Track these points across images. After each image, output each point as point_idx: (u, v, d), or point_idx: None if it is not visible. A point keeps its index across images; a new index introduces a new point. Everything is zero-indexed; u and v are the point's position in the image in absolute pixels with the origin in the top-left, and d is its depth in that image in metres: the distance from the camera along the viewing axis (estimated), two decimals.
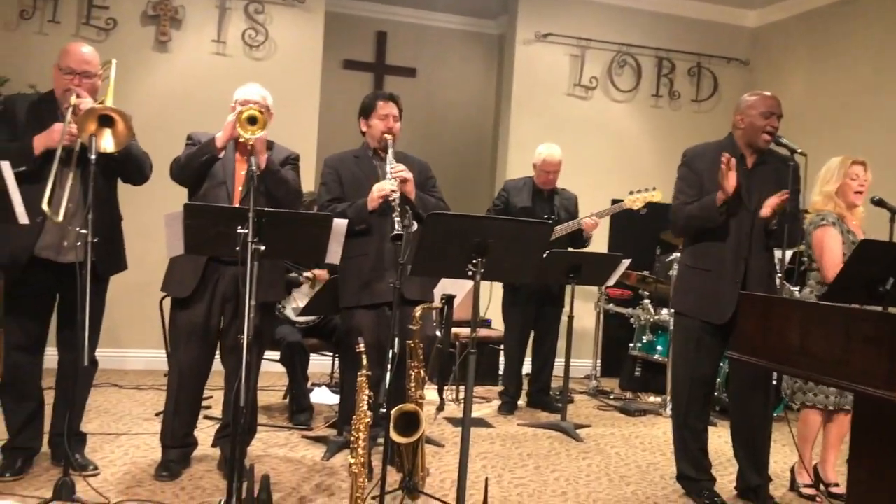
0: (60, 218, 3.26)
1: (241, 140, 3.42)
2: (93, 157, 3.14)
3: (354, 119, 4.22)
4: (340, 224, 3.28)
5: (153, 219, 3.86)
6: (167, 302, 3.88)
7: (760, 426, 3.63)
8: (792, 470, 4.17)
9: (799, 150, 3.58)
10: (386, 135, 3.99)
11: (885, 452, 2.69)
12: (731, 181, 3.64)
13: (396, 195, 3.76)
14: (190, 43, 6.28)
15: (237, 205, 3.55)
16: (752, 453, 3.77)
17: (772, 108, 3.73)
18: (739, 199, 3.72)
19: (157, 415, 4.69)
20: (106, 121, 3.22)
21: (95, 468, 3.67)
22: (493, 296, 5.88)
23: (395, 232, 3.59)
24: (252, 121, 3.32)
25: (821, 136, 6.39)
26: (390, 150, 3.93)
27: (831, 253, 3.85)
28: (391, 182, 3.83)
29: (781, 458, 4.60)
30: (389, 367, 3.45)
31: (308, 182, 6.11)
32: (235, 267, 3.02)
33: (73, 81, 3.41)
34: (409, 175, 3.88)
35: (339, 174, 4.10)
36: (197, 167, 3.59)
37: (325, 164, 4.19)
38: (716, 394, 5.63)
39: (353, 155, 4.19)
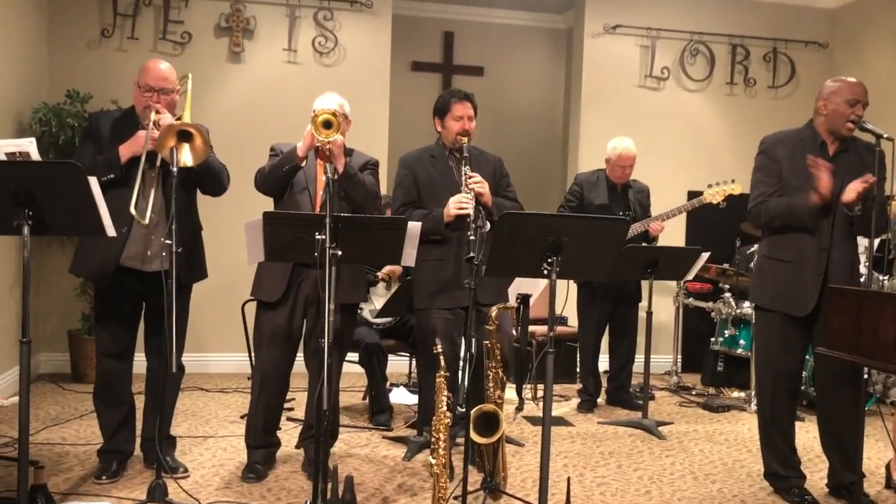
0: (147, 221, 3.38)
1: (318, 144, 3.47)
2: (174, 169, 3.24)
3: (424, 121, 4.24)
4: (415, 227, 3.31)
5: (233, 227, 3.97)
6: (249, 306, 3.97)
7: (849, 422, 3.51)
8: (887, 467, 4.02)
9: (885, 136, 3.45)
10: (461, 137, 3.99)
11: None
12: (824, 183, 3.51)
13: (472, 213, 3.73)
14: (262, 52, 6.41)
15: (318, 209, 3.62)
16: (842, 450, 3.65)
17: (858, 95, 3.60)
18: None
19: (241, 417, 4.81)
20: (184, 136, 3.33)
21: (186, 470, 3.78)
22: (569, 293, 5.83)
23: (469, 255, 3.56)
24: (327, 125, 3.37)
25: None
26: (465, 156, 3.93)
27: None
28: (466, 195, 3.81)
29: (875, 454, 4.44)
30: (466, 367, 3.46)
31: (381, 186, 6.18)
32: (317, 270, 3.07)
33: (152, 98, 3.52)
34: (484, 189, 3.87)
35: (416, 175, 4.11)
36: (280, 177, 3.67)
37: (400, 165, 4.20)
38: (802, 388, 5.47)
39: (429, 154, 4.19)
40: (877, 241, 4.11)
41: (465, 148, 3.95)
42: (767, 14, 7.25)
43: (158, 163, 3.43)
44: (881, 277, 4.81)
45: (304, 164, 3.64)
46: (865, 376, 3.45)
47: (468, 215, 3.75)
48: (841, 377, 3.57)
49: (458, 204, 3.84)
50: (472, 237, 3.63)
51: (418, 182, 4.10)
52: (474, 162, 3.98)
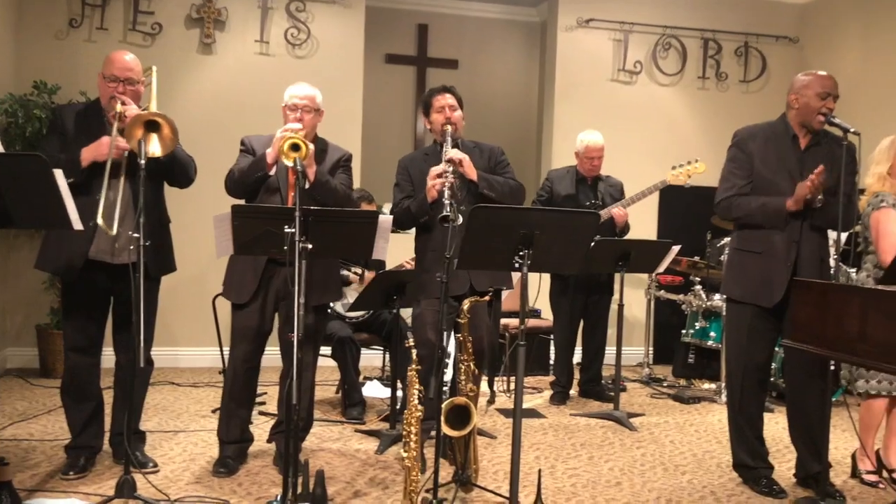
0: (114, 231, 3.35)
1: (286, 164, 3.42)
2: (142, 161, 3.20)
3: (398, 113, 4.25)
4: (386, 220, 3.30)
5: (202, 220, 3.93)
6: (220, 300, 3.95)
7: (818, 413, 3.56)
8: (853, 456, 4.08)
9: (852, 130, 3.48)
10: (445, 126, 4.01)
11: None
12: (809, 194, 3.55)
13: (449, 179, 3.74)
14: (234, 44, 6.35)
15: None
16: (810, 440, 3.69)
17: (828, 88, 3.63)
18: (791, 180, 3.63)
19: (213, 411, 4.78)
20: (152, 126, 3.29)
21: (155, 465, 3.75)
22: (542, 286, 5.85)
23: (442, 214, 3.56)
24: (295, 148, 3.33)
25: (875, 115, 6.20)
26: (447, 139, 3.95)
27: (888, 235, 3.75)
28: (443, 165, 3.82)
29: (841, 444, 4.51)
30: (439, 360, 3.46)
31: (354, 179, 6.16)
32: (289, 267, 3.05)
33: (118, 89, 3.49)
34: (461, 155, 3.88)
35: (410, 173, 4.18)
36: (250, 184, 3.66)
37: (398, 165, 4.28)
38: (772, 379, 5.54)
39: (423, 153, 4.30)
40: (845, 235, 4.15)
41: (449, 132, 3.97)
42: (739, 9, 7.30)
43: (125, 155, 3.38)
44: (849, 270, 4.87)
45: (273, 171, 3.63)
46: (833, 368, 3.50)
47: (444, 182, 3.73)
48: (810, 369, 3.62)
49: (433, 174, 3.84)
50: (446, 200, 3.60)
51: (413, 179, 4.15)
52: (468, 153, 4.00)
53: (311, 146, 3.46)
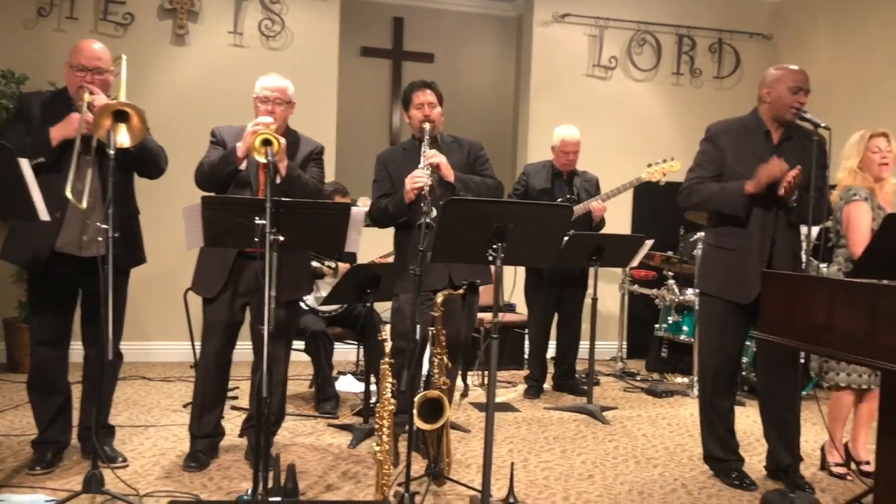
0: (84, 205, 3.28)
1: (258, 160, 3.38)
2: (111, 151, 3.15)
3: (373, 106, 4.23)
4: (358, 213, 3.27)
5: (173, 211, 3.88)
6: (191, 294, 3.90)
7: (790, 406, 3.59)
8: (822, 449, 4.12)
9: (822, 125, 3.50)
10: (424, 123, 3.98)
11: None
12: (769, 179, 3.56)
13: (427, 184, 3.72)
14: (207, 35, 6.29)
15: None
16: (782, 433, 3.72)
17: (799, 83, 3.66)
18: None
19: (184, 406, 4.74)
20: (120, 116, 3.23)
21: (124, 460, 3.71)
22: (517, 280, 5.86)
23: (421, 221, 3.54)
24: (266, 143, 3.29)
25: (847, 110, 6.27)
26: (426, 138, 3.91)
27: (859, 228, 3.79)
28: (421, 170, 3.80)
29: (811, 437, 4.55)
30: (412, 354, 3.45)
31: (328, 171, 6.11)
32: (259, 260, 3.01)
33: (86, 79, 3.43)
34: (439, 158, 3.86)
35: (388, 169, 4.14)
36: (220, 178, 3.62)
37: (376, 160, 4.24)
38: (743, 373, 5.59)
39: (402, 147, 4.26)
40: (816, 230, 4.19)
41: (427, 130, 3.94)
42: (713, 5, 7.35)
43: (94, 143, 3.33)
44: (820, 265, 4.92)
45: (243, 165, 3.59)
46: (802, 361, 3.53)
47: (422, 188, 3.72)
48: (782, 361, 3.65)
49: (413, 179, 3.82)
50: (424, 208, 3.58)
51: (391, 175, 4.12)
52: (447, 149, 3.98)
53: (283, 140, 3.42)
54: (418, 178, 3.78)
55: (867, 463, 3.95)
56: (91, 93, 3.36)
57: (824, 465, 4.06)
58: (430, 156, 3.86)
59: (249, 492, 3.09)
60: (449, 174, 3.89)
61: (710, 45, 7.34)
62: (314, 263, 5.03)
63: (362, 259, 4.79)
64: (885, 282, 3.04)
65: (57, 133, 3.35)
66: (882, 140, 3.88)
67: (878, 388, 3.83)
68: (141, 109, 3.29)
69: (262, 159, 3.26)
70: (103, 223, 3.10)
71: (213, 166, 3.62)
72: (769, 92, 3.71)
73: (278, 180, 3.39)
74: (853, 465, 4.01)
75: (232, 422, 4.27)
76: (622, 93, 7.18)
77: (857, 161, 3.91)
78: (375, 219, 4.08)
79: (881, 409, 2.82)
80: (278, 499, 3.06)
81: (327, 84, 6.51)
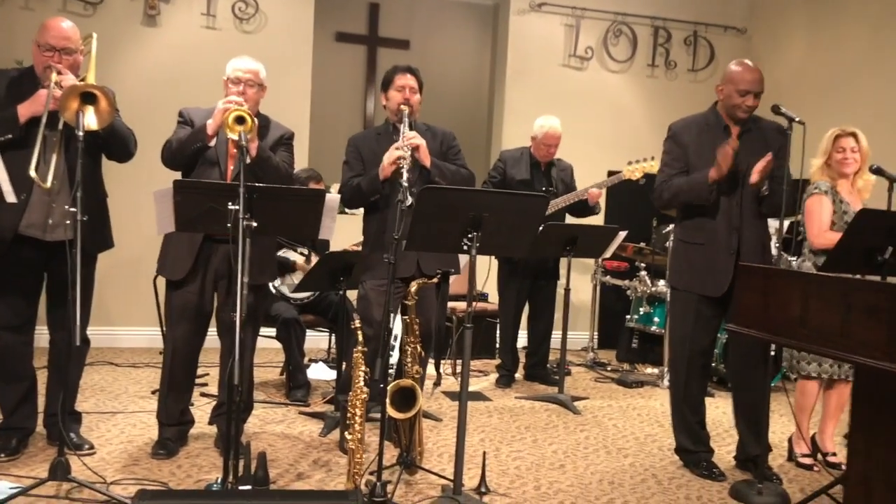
0: (48, 184, 3.20)
1: (230, 138, 3.34)
2: (80, 133, 3.08)
3: (348, 91, 4.19)
4: (333, 199, 3.23)
5: (143, 195, 3.82)
6: (161, 280, 3.84)
7: (760, 397, 3.62)
8: (790, 440, 4.17)
9: (797, 119, 3.52)
10: (403, 106, 3.95)
11: (885, 423, 2.68)
12: (728, 161, 3.60)
13: (406, 162, 3.69)
14: (179, 16, 6.19)
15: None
16: (752, 424, 3.76)
17: (748, 86, 3.67)
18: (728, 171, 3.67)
19: (153, 392, 4.67)
20: (88, 98, 3.15)
21: (91, 447, 3.66)
22: (490, 269, 5.85)
23: (399, 199, 3.50)
24: (240, 121, 3.24)
25: (820, 103, 6.33)
26: (405, 120, 3.90)
27: (815, 220, 3.90)
28: (402, 150, 3.77)
29: (780, 428, 4.60)
30: (388, 342, 3.43)
31: (302, 157, 6.06)
32: (228, 244, 2.97)
33: (53, 58, 3.34)
34: (420, 141, 3.84)
35: (360, 152, 4.10)
36: (188, 155, 3.55)
37: (348, 143, 4.19)
38: (713, 365, 5.63)
39: (375, 132, 4.22)
40: (787, 223, 4.23)
41: (406, 114, 3.92)
42: None
43: (61, 126, 3.25)
44: (790, 258, 4.97)
45: (213, 142, 3.53)
46: (773, 353, 3.57)
47: (401, 164, 3.67)
48: (753, 353, 3.68)
49: (392, 153, 3.79)
50: (404, 184, 3.54)
51: (363, 157, 4.08)
52: (422, 136, 3.92)
53: (255, 120, 3.38)
54: (398, 153, 3.76)
55: (833, 454, 4.01)
56: (59, 73, 3.28)
57: (791, 456, 4.11)
58: (411, 136, 3.83)
59: (219, 480, 3.07)
60: (426, 158, 3.86)
61: (686, 37, 7.36)
62: (288, 254, 4.99)
63: (335, 247, 4.75)
64: (858, 276, 3.08)
65: (25, 110, 3.26)
66: (850, 139, 3.97)
67: (843, 379, 3.90)
68: (110, 92, 3.21)
69: (234, 136, 3.21)
70: (71, 206, 3.02)
71: (181, 143, 3.55)
72: (722, 90, 3.76)
73: (248, 160, 3.32)
74: (820, 457, 4.06)
75: (202, 409, 4.22)
76: (597, 83, 7.18)
77: (824, 158, 4.02)
78: (346, 199, 4.04)
79: (853, 403, 2.85)
80: (248, 487, 3.03)
81: (301, 69, 6.44)
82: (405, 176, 3.56)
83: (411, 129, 3.92)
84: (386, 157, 3.84)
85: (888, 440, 2.65)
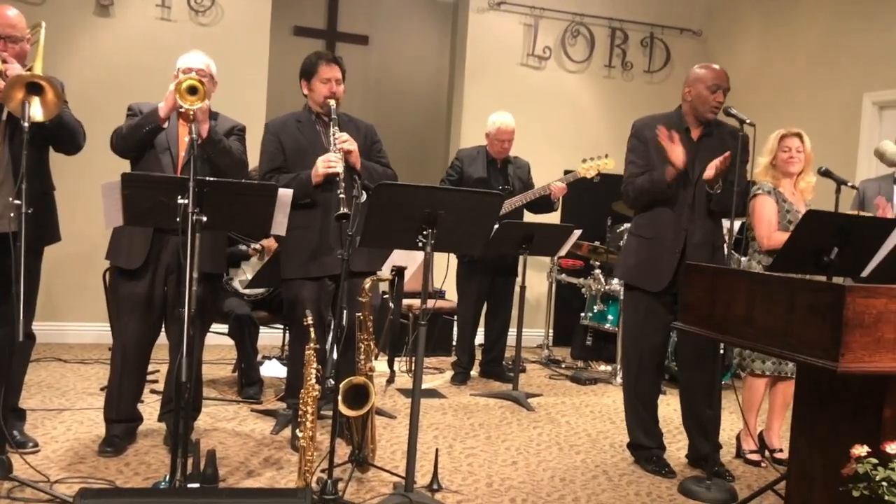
0: None
1: (183, 110, 3.30)
2: (26, 124, 3.00)
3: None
4: (286, 194, 3.20)
5: (92, 188, 3.74)
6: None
7: (708, 395, 3.68)
8: (738, 437, 4.24)
9: (748, 121, 3.59)
10: (329, 100, 3.86)
11: (826, 420, 2.74)
12: (678, 154, 3.65)
13: (341, 171, 3.64)
14: (133, 7, 6.08)
15: (180, 172, 3.46)
16: (700, 422, 3.81)
17: (718, 81, 3.73)
18: (684, 170, 3.73)
19: (101, 389, 4.58)
20: (34, 88, 3.07)
21: (35, 445, 3.58)
22: (449, 267, 5.85)
23: (340, 212, 3.49)
24: (192, 91, 3.20)
25: (772, 106, 6.44)
26: (334, 118, 3.81)
27: (763, 220, 3.99)
28: (335, 154, 3.72)
29: (728, 425, 4.68)
30: (337, 340, 3.40)
31: (257, 152, 5.99)
32: (178, 237, 2.92)
33: None
34: (353, 146, 3.78)
35: (281, 141, 3.94)
36: (140, 138, 3.48)
37: (265, 131, 4.02)
38: (665, 362, 5.70)
39: (295, 119, 4.02)
40: (738, 223, 4.30)
41: (334, 110, 3.81)
42: (646, 0, 7.43)
43: (4, 116, 3.17)
44: (741, 258, 5.05)
45: (165, 125, 3.47)
46: (722, 351, 3.62)
47: (337, 174, 3.66)
48: (701, 352, 3.73)
49: (327, 162, 3.73)
50: (341, 195, 3.53)
51: (284, 148, 3.93)
52: (344, 128, 3.84)
53: (208, 102, 3.33)
54: (332, 163, 3.69)
55: (780, 450, 4.08)
56: (4, 61, 3.20)
57: (739, 453, 4.18)
58: (343, 139, 3.75)
59: (167, 477, 3.02)
60: (357, 162, 3.80)
61: (642, 39, 7.43)
62: (240, 246, 4.93)
63: None
64: (805, 276, 3.14)
65: None
66: (794, 139, 4.06)
67: (787, 377, 3.98)
68: (57, 83, 3.14)
69: (188, 106, 3.18)
70: (14, 198, 2.95)
71: (132, 127, 3.48)
72: (690, 91, 3.80)
73: (199, 142, 3.26)
74: (767, 453, 4.14)
75: (151, 406, 4.16)
76: (555, 83, 7.21)
77: (769, 158, 4.10)
78: None
79: (796, 401, 2.90)
80: (197, 485, 2.98)
81: (258, 63, 6.37)
82: (342, 186, 3.53)
83: (340, 128, 3.81)
84: (321, 165, 3.73)
85: (827, 437, 2.71)
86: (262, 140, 4.00)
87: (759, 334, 2.60)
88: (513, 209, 5.33)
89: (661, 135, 3.66)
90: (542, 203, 5.45)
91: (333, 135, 3.77)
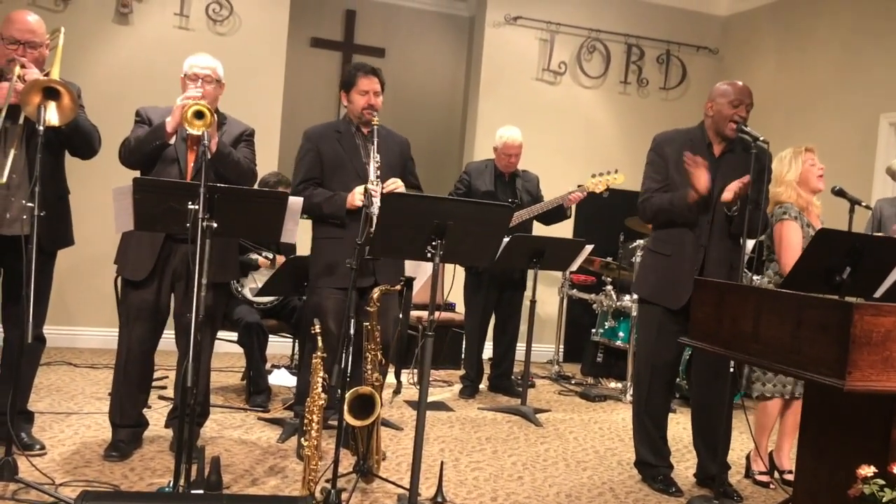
0: (3, 179, 3.15)
1: (189, 133, 3.31)
2: (41, 128, 3.03)
3: (322, 97, 4.16)
4: (296, 202, 3.21)
5: (107, 193, 3.76)
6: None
7: (720, 414, 3.63)
8: (748, 457, 4.20)
9: (761, 139, 3.57)
10: (367, 113, 3.85)
11: (832, 440, 2.71)
12: (703, 182, 3.61)
13: (376, 212, 3.45)
14: (152, 15, 6.14)
15: (190, 180, 3.48)
16: (710, 441, 3.77)
17: (741, 97, 3.71)
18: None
19: (110, 394, 4.58)
20: (51, 93, 3.10)
21: (42, 448, 3.58)
22: (457, 279, 5.84)
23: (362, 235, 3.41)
24: (199, 115, 3.22)
25: (788, 125, 6.43)
26: (375, 141, 3.72)
27: (790, 247, 3.85)
28: (376, 188, 3.60)
29: (738, 445, 4.63)
30: (346, 348, 3.40)
31: (272, 162, 6.03)
32: (188, 244, 2.93)
33: (18, 52, 3.29)
34: (397, 187, 3.74)
35: (320, 151, 3.94)
36: (147, 153, 3.50)
37: (304, 138, 4.01)
38: (677, 381, 5.66)
39: (334, 129, 4.02)
40: (751, 243, 4.26)
41: (376, 131, 3.77)
42: (663, 17, 7.44)
43: (21, 120, 3.20)
44: (754, 277, 5.01)
45: (172, 140, 3.50)
46: (733, 370, 3.58)
47: (371, 216, 3.54)
48: (714, 370, 3.69)
49: (362, 197, 3.64)
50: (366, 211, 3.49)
51: (322, 158, 3.93)
52: (382, 142, 3.80)
53: (215, 115, 3.35)
54: (369, 202, 3.54)
55: (790, 472, 4.03)
56: (22, 66, 3.23)
57: (749, 473, 4.13)
58: (391, 186, 3.69)
59: (171, 483, 3.02)
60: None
61: (659, 55, 7.43)
62: (251, 255, 4.94)
63: (302, 251, 4.72)
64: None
65: None
66: (813, 154, 3.97)
67: (799, 397, 3.93)
68: (74, 88, 3.18)
69: (194, 131, 3.19)
70: (29, 202, 2.98)
71: (139, 141, 3.50)
72: (712, 106, 3.77)
73: (208, 156, 3.28)
74: (776, 474, 4.09)
75: (159, 412, 4.17)
76: (569, 98, 7.22)
77: (797, 174, 3.96)
78: (304, 209, 3.96)
79: (803, 419, 2.87)
80: (200, 491, 2.98)
81: (274, 73, 6.41)
82: (374, 223, 3.37)
83: (378, 141, 3.73)
84: (358, 198, 3.70)
85: (834, 457, 2.68)
86: (300, 147, 4.00)
87: (767, 351, 2.57)
88: (520, 222, 5.29)
89: (688, 159, 3.63)
90: (556, 213, 5.42)
91: (373, 159, 3.68)
